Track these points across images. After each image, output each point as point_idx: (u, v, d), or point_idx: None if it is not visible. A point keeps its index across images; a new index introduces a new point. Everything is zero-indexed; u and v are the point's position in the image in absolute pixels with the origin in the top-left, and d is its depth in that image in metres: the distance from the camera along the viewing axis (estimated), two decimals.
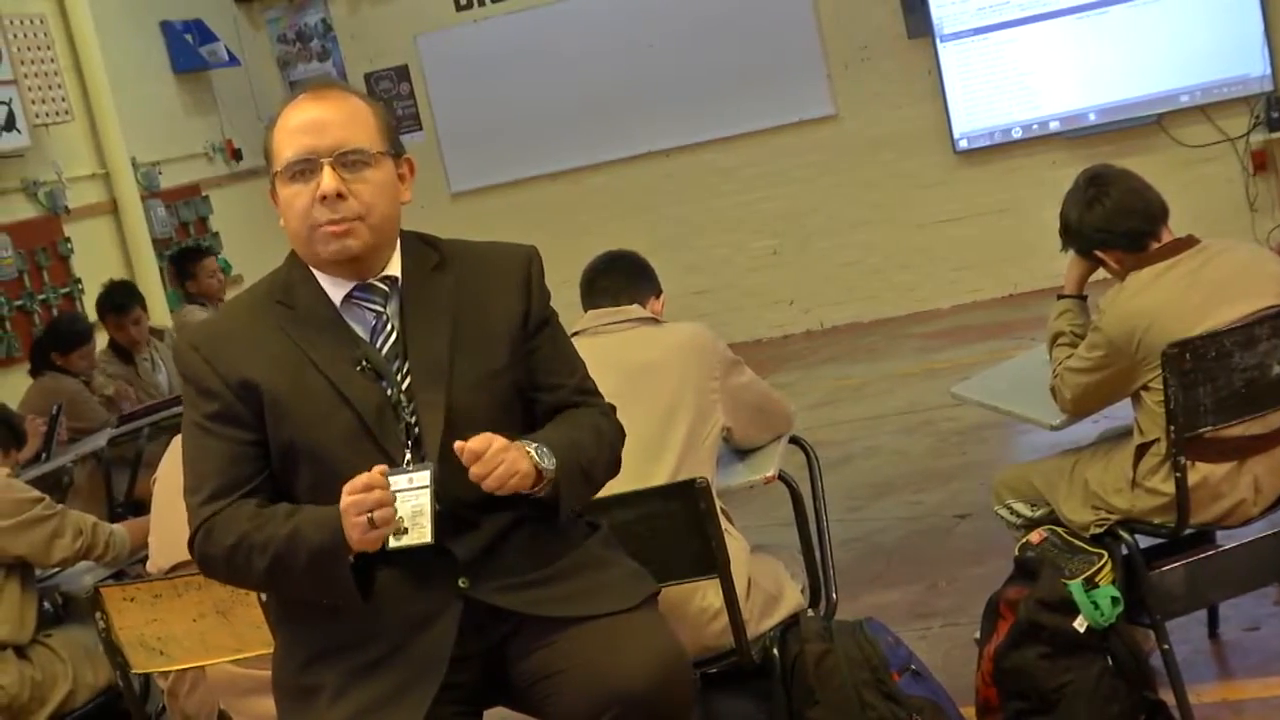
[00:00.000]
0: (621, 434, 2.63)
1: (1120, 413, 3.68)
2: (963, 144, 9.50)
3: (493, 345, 2.52)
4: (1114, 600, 3.32)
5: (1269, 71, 8.81)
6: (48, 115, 8.20)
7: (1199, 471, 3.40)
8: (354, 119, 2.49)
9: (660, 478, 3.11)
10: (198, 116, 9.78)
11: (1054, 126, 9.30)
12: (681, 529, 3.00)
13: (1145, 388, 3.45)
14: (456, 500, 2.39)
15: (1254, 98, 8.89)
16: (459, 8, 10.28)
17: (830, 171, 9.80)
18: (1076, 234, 3.62)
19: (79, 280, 8.29)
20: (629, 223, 9.95)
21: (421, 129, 10.42)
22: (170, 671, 3.42)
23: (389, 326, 2.50)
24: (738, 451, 3.55)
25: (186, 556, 2.58)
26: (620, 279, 3.50)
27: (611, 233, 9.27)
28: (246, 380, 2.44)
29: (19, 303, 7.92)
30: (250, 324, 2.51)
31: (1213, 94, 8.97)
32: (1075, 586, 3.32)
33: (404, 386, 2.46)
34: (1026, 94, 9.31)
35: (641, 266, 3.56)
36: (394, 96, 10.38)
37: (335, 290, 2.51)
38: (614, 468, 2.61)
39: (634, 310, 3.42)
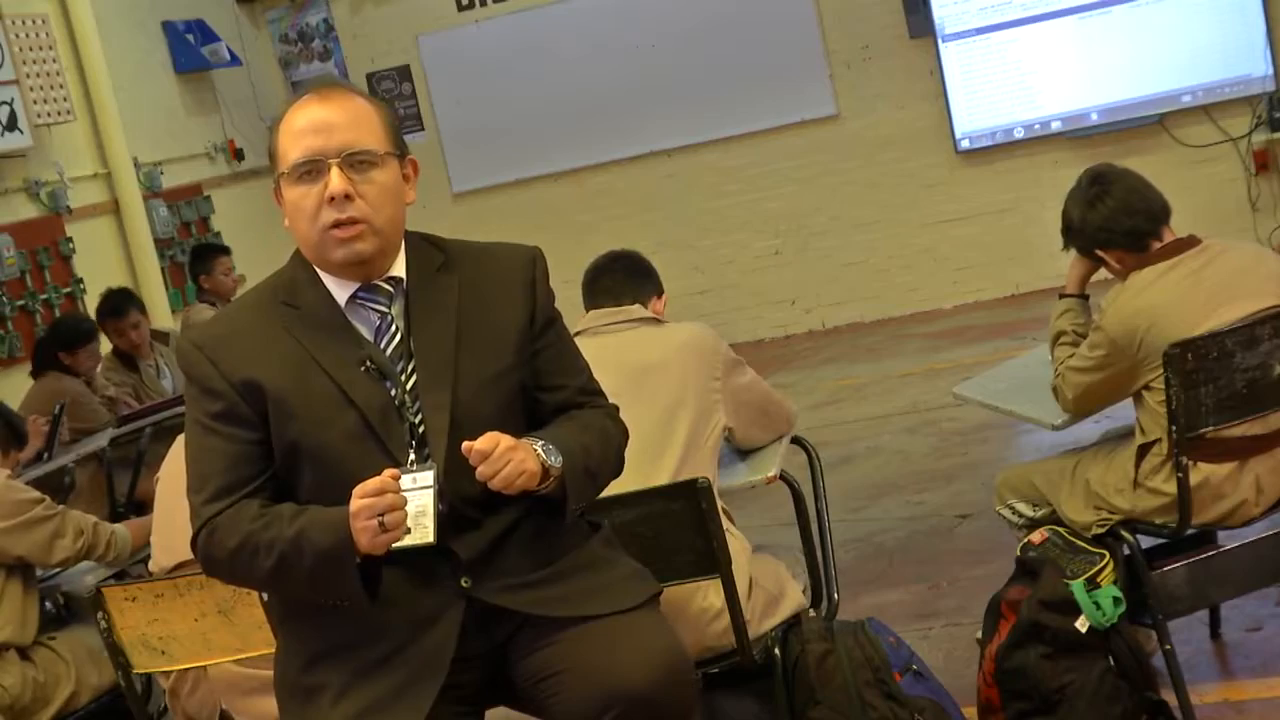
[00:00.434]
0: (626, 436, 2.64)
1: (1122, 413, 3.68)
2: (965, 144, 9.49)
3: (497, 346, 2.52)
4: (1116, 600, 3.33)
5: (1271, 71, 8.80)
6: (50, 115, 8.19)
7: (1201, 472, 3.40)
8: (360, 120, 2.48)
9: (662, 478, 3.11)
10: (199, 116, 9.77)
11: (1056, 126, 9.29)
12: (683, 529, 3.00)
13: (1147, 387, 3.45)
14: (460, 500, 2.39)
15: (1256, 98, 8.88)
16: (461, 8, 10.27)
17: (832, 171, 9.80)
18: (1078, 233, 3.62)
19: (81, 280, 8.28)
20: (631, 222, 9.94)
21: (423, 129, 10.42)
22: (172, 671, 3.42)
23: (394, 327, 2.50)
24: (739, 452, 3.55)
25: (189, 556, 2.58)
26: (622, 279, 3.50)
27: (613, 232, 9.29)
28: (250, 380, 2.43)
29: (21, 302, 7.91)
30: (255, 324, 2.51)
31: (1215, 94, 8.96)
32: (1077, 587, 3.33)
33: (409, 387, 2.45)
34: (1028, 94, 9.30)
35: (643, 266, 3.56)
36: (396, 96, 10.37)
37: (340, 291, 2.51)
38: (618, 469, 2.62)
39: (636, 310, 3.42)
